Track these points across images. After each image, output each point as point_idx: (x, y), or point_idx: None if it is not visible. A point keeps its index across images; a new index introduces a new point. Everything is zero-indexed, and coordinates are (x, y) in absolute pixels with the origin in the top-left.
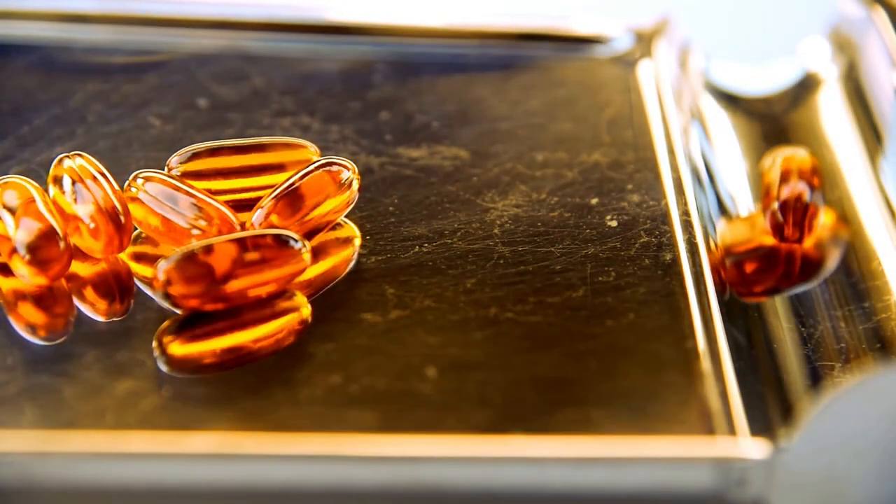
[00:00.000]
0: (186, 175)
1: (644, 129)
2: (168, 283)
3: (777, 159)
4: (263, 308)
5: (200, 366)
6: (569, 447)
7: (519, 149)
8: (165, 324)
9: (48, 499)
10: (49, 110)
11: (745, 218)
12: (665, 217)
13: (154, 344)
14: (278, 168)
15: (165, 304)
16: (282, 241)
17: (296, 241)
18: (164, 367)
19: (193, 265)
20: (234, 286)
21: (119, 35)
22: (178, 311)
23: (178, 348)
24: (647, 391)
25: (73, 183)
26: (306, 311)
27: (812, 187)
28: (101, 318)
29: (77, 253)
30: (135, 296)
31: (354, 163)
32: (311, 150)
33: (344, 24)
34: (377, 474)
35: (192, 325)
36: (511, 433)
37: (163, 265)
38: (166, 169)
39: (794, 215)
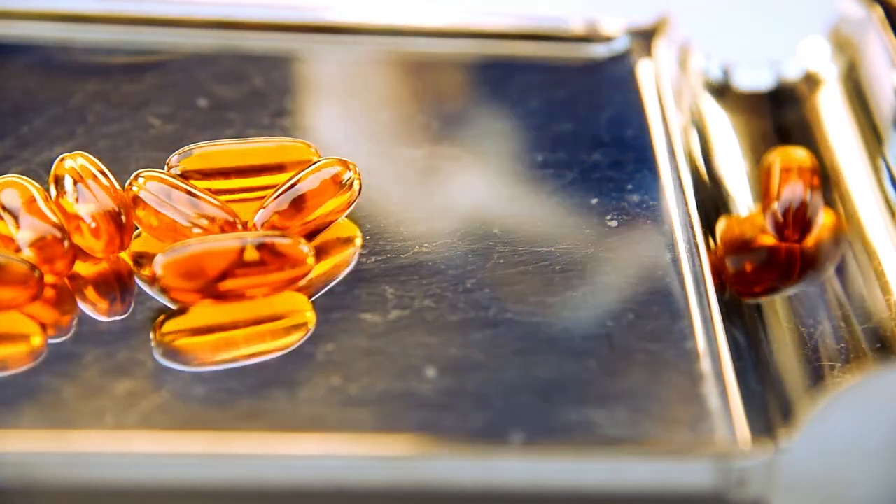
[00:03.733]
0: (186, 174)
1: (644, 129)
2: (163, 276)
3: (777, 159)
4: (265, 308)
5: (197, 361)
6: (569, 447)
7: (519, 149)
8: (161, 317)
9: (48, 499)
10: (49, 110)
11: (745, 218)
12: (665, 217)
13: (151, 335)
14: (278, 168)
15: (161, 298)
16: (287, 246)
17: (301, 245)
18: (160, 359)
19: (190, 261)
20: (230, 285)
21: (119, 35)
22: (174, 306)
23: (176, 342)
24: (646, 392)
25: (75, 183)
26: (310, 314)
27: (812, 187)
28: (102, 318)
29: (78, 252)
30: (136, 295)
31: (354, 163)
32: (311, 150)
33: (344, 24)
34: (377, 474)
35: (192, 321)
36: (511, 433)
37: (160, 258)
38: (166, 168)
39: (794, 215)
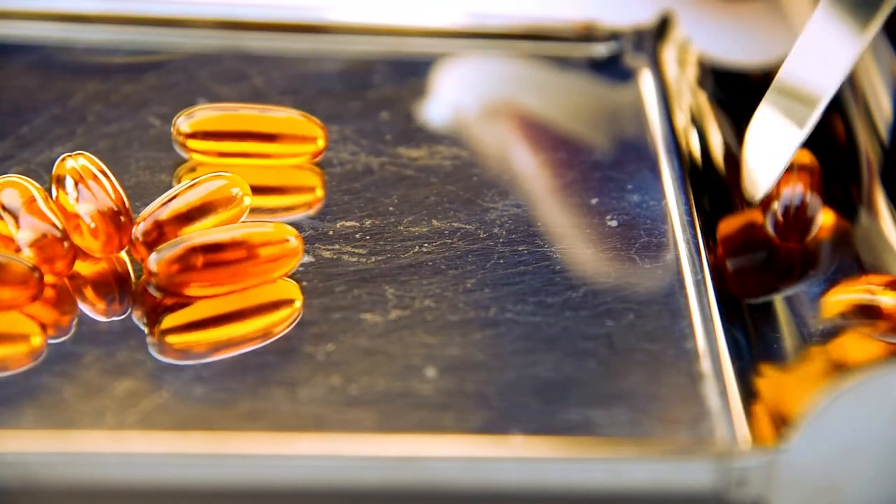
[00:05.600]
0: (192, 135)
1: (644, 129)
2: (157, 273)
3: None
4: (256, 300)
5: (195, 355)
6: (569, 447)
7: (519, 149)
8: (160, 315)
9: (48, 499)
10: (49, 110)
11: (744, 218)
12: (665, 217)
13: (150, 333)
14: (269, 138)
15: (158, 294)
16: (269, 234)
17: (287, 234)
18: (160, 357)
19: (181, 256)
20: (223, 276)
21: (119, 35)
22: (171, 302)
23: (176, 338)
24: (646, 391)
25: (75, 183)
26: (297, 302)
27: (812, 187)
28: (102, 318)
29: (78, 252)
30: (135, 295)
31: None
32: (316, 126)
33: (344, 24)
34: (377, 474)
35: (191, 316)
36: (511, 433)
37: (153, 257)
38: (173, 130)
39: (794, 215)
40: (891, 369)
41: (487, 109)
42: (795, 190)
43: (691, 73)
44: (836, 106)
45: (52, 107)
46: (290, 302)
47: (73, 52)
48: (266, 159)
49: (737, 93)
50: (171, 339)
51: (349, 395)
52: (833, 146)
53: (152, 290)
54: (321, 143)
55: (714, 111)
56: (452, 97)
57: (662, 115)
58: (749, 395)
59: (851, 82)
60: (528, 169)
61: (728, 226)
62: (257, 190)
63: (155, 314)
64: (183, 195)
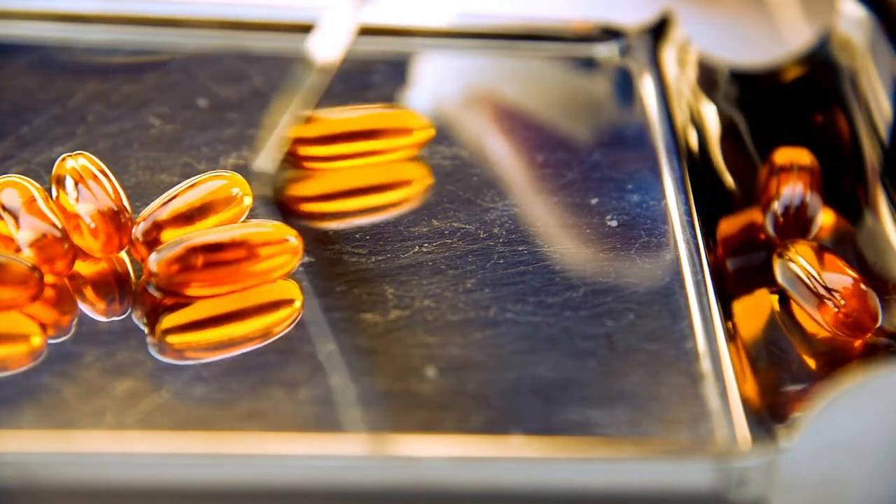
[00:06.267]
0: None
1: (644, 129)
2: (157, 273)
3: (777, 159)
4: (256, 300)
5: (195, 355)
6: (569, 447)
7: (519, 149)
8: (160, 315)
9: (48, 499)
10: (49, 110)
11: (744, 218)
12: (665, 217)
13: (150, 333)
14: (373, 134)
15: (157, 293)
16: (269, 234)
17: (287, 234)
18: (158, 355)
19: (181, 256)
20: (222, 275)
21: (119, 35)
22: (162, 297)
23: (175, 338)
24: (646, 392)
25: (76, 183)
26: (297, 302)
27: (812, 187)
28: (102, 318)
29: (78, 252)
30: (135, 294)
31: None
32: (418, 116)
33: None
34: (377, 474)
35: (190, 316)
36: (510, 433)
37: (153, 257)
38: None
39: (794, 215)
40: (891, 369)
41: (487, 109)
42: (795, 190)
43: (691, 73)
44: (836, 105)
45: (52, 107)
46: (290, 302)
47: (73, 52)
48: (372, 157)
49: (736, 92)
50: (171, 339)
51: (349, 395)
52: (833, 146)
53: (152, 290)
54: (423, 134)
55: (713, 111)
56: (452, 97)
57: (662, 115)
58: (749, 395)
59: (852, 82)
60: (527, 169)
61: (728, 226)
62: (357, 191)
63: (155, 314)
64: (183, 195)
